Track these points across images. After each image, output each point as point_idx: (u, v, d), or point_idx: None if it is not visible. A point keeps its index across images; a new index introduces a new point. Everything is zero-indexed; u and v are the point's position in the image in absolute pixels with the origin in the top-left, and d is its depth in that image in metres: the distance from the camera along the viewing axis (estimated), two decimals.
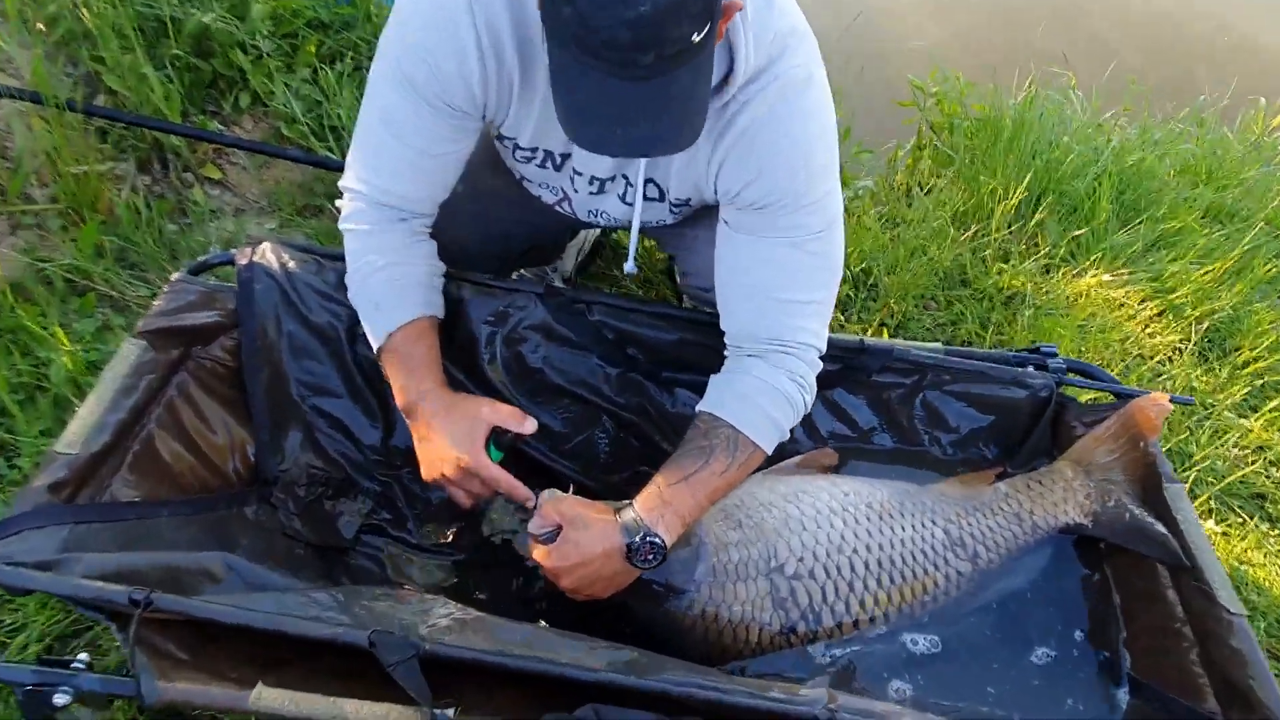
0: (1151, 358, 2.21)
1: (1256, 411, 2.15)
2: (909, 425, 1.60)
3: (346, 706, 0.98)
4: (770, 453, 1.35)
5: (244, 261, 1.49)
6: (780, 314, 1.35)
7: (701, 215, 1.53)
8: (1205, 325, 2.25)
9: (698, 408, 1.37)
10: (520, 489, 1.34)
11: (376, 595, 1.20)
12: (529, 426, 1.37)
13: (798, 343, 1.36)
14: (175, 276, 1.48)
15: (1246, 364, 2.24)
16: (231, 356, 1.47)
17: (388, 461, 1.55)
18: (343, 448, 1.54)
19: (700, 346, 1.53)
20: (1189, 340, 2.23)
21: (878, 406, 1.60)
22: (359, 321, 1.41)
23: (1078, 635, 1.45)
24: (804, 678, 1.38)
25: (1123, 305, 2.32)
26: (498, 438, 1.37)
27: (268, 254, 1.49)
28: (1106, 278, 2.34)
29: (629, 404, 1.57)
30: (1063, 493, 1.54)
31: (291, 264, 1.49)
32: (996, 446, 1.62)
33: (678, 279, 1.70)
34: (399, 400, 1.36)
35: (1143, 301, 2.32)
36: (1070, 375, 1.57)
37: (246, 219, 2.19)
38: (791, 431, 1.38)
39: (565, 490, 1.36)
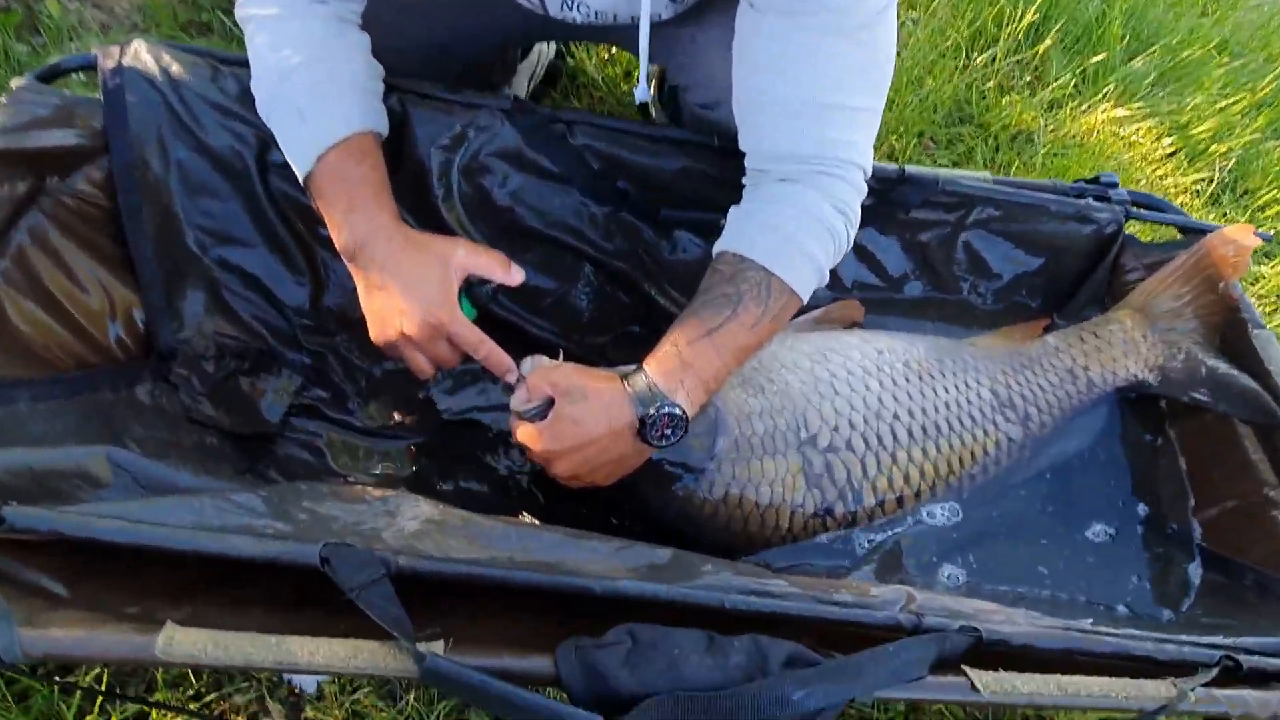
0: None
1: (1271, 259, 1.99)
2: (946, 271, 1.36)
3: (295, 648, 0.71)
4: (807, 300, 1.09)
5: (110, 65, 1.12)
6: (821, 123, 1.06)
7: (705, 10, 1.21)
8: (1231, 163, 2.05)
9: (717, 247, 1.09)
10: (501, 356, 1.06)
11: (322, 494, 0.92)
12: (515, 276, 1.08)
13: (841, 160, 1.08)
14: (18, 84, 1.10)
15: (1264, 206, 2.06)
16: (103, 193, 1.12)
17: (319, 326, 1.24)
18: (260, 311, 1.22)
19: (709, 178, 1.24)
20: (1210, 180, 2.03)
21: (912, 250, 1.35)
22: (274, 144, 1.08)
23: (1140, 509, 1.27)
24: (845, 567, 1.17)
25: (1136, 143, 2.10)
26: (472, 290, 1.08)
27: (142, 54, 1.13)
28: (1119, 112, 2.11)
29: (618, 250, 1.28)
30: (1123, 345, 1.33)
31: (176, 69, 1.13)
32: (1041, 295, 1.40)
33: (677, 96, 1.38)
34: (339, 240, 1.04)
35: (1158, 139, 2.10)
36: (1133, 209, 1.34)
37: (116, 37, 1.77)
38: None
39: (555, 358, 1.09)
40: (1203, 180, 2.04)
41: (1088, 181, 1.37)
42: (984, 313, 1.39)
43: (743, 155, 1.13)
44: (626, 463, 1.05)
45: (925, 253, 1.34)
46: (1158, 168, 2.10)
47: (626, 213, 1.27)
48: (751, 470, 1.15)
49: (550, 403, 1.03)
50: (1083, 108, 2.14)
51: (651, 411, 1.00)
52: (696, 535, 1.16)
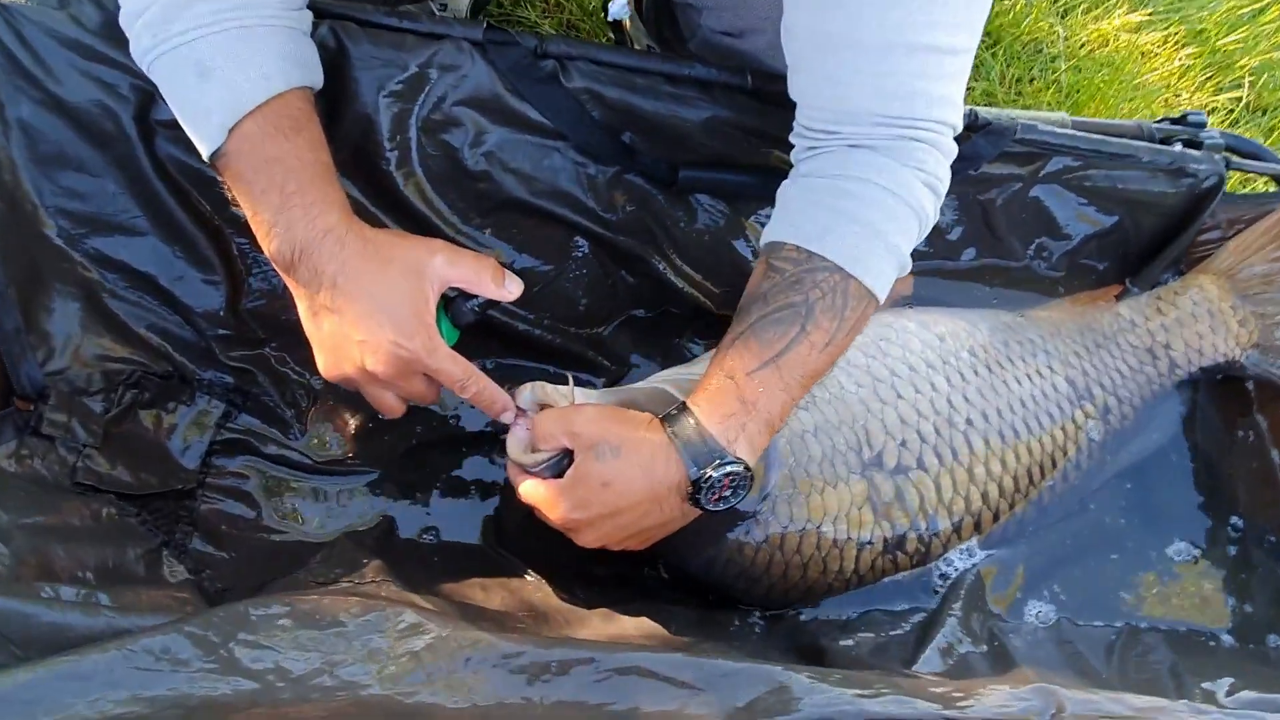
0: None
1: None
2: (1008, 234, 1.13)
3: None
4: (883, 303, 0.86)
5: None
6: (910, 71, 0.80)
7: None
8: (1263, 79, 1.86)
9: (773, 234, 0.84)
10: (495, 393, 0.81)
11: (276, 619, 0.65)
12: (511, 289, 0.81)
13: (934, 122, 0.82)
14: None
15: None
16: None
17: (241, 335, 0.95)
18: (159, 320, 0.92)
19: (742, 132, 0.97)
20: (1239, 100, 1.85)
21: (971, 210, 1.11)
22: (157, 96, 0.76)
23: (1230, 518, 1.10)
24: (923, 612, 0.97)
25: (1154, 54, 1.89)
26: (452, 304, 0.81)
27: None
28: (1135, 18, 1.89)
29: (623, 221, 1.01)
30: (1209, 318, 1.14)
31: None
32: (1111, 256, 1.19)
33: (679, 14, 1.07)
34: (269, 246, 0.75)
35: (1181, 47, 1.89)
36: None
37: None
38: None
39: (564, 384, 0.83)
40: (1233, 100, 1.85)
41: (1172, 120, 1.14)
42: (1046, 280, 1.18)
43: (789, 104, 0.87)
44: (669, 527, 0.82)
45: (987, 213, 1.11)
46: (1181, 83, 1.90)
47: (634, 175, 1.00)
48: (811, 506, 0.93)
49: (568, 455, 0.78)
50: (1095, 14, 1.91)
51: (709, 473, 0.76)
52: (747, 589, 0.95)
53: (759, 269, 0.84)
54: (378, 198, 0.93)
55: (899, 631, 0.92)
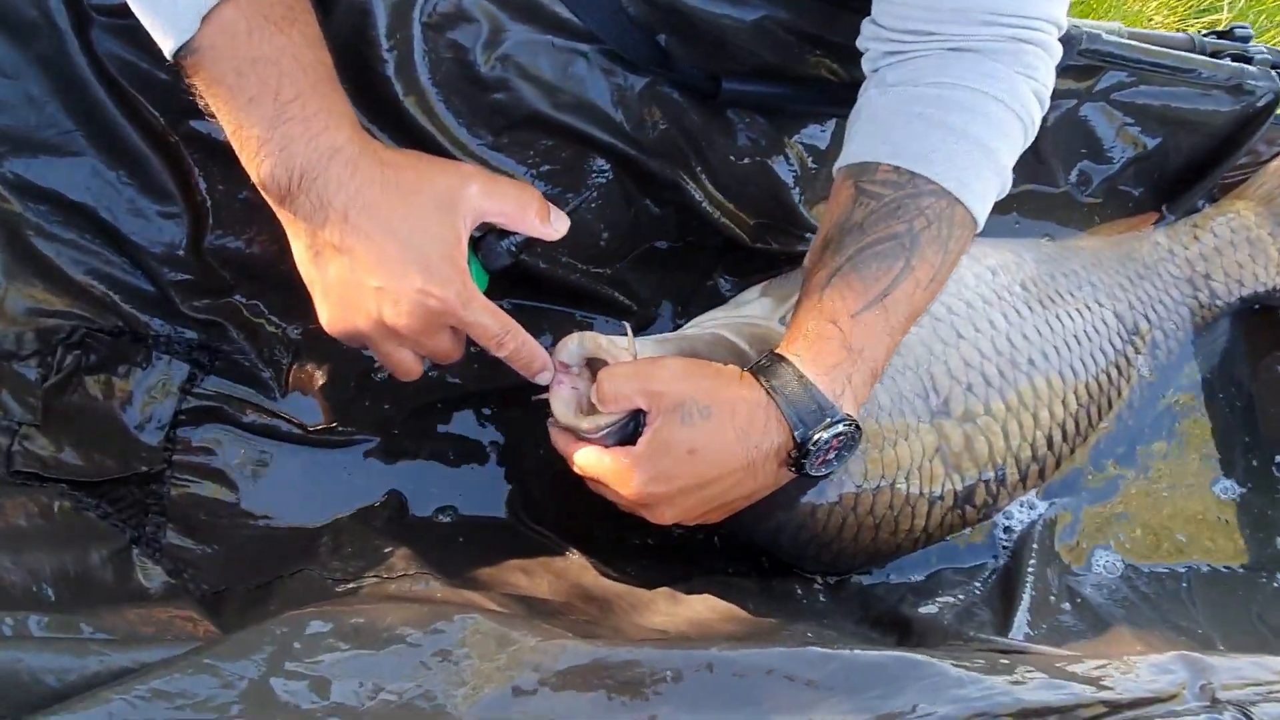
0: None
1: None
2: (1052, 157, 1.05)
3: None
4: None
5: None
6: None
7: None
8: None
9: (861, 156, 0.72)
10: (534, 350, 0.67)
11: (320, 637, 0.51)
12: (558, 225, 0.68)
13: (1042, 21, 0.72)
14: None
15: None
16: None
17: (205, 279, 0.77)
18: (104, 265, 0.74)
19: (799, 37, 0.85)
20: (1215, 25, 1.81)
21: None
22: None
23: (1277, 456, 1.07)
24: (986, 569, 0.90)
25: None
26: (484, 243, 0.67)
27: None
28: None
29: (654, 141, 0.87)
30: (1248, 246, 1.09)
31: None
32: (1143, 183, 1.12)
33: None
34: (258, 169, 0.59)
35: None
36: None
37: None
38: None
39: (623, 335, 0.70)
40: (1206, 27, 1.82)
41: (1218, 34, 1.07)
42: (1081, 208, 1.11)
43: (856, 6, 0.75)
44: (756, 498, 0.71)
45: (1036, 137, 1.02)
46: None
47: (668, 86, 0.86)
48: (885, 461, 0.83)
49: (635, 416, 0.65)
50: None
51: (818, 434, 0.65)
52: (816, 556, 0.85)
53: (844, 194, 0.72)
54: (370, 110, 0.76)
55: (977, 593, 0.85)
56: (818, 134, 0.93)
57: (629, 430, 0.67)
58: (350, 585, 0.65)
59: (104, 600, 0.58)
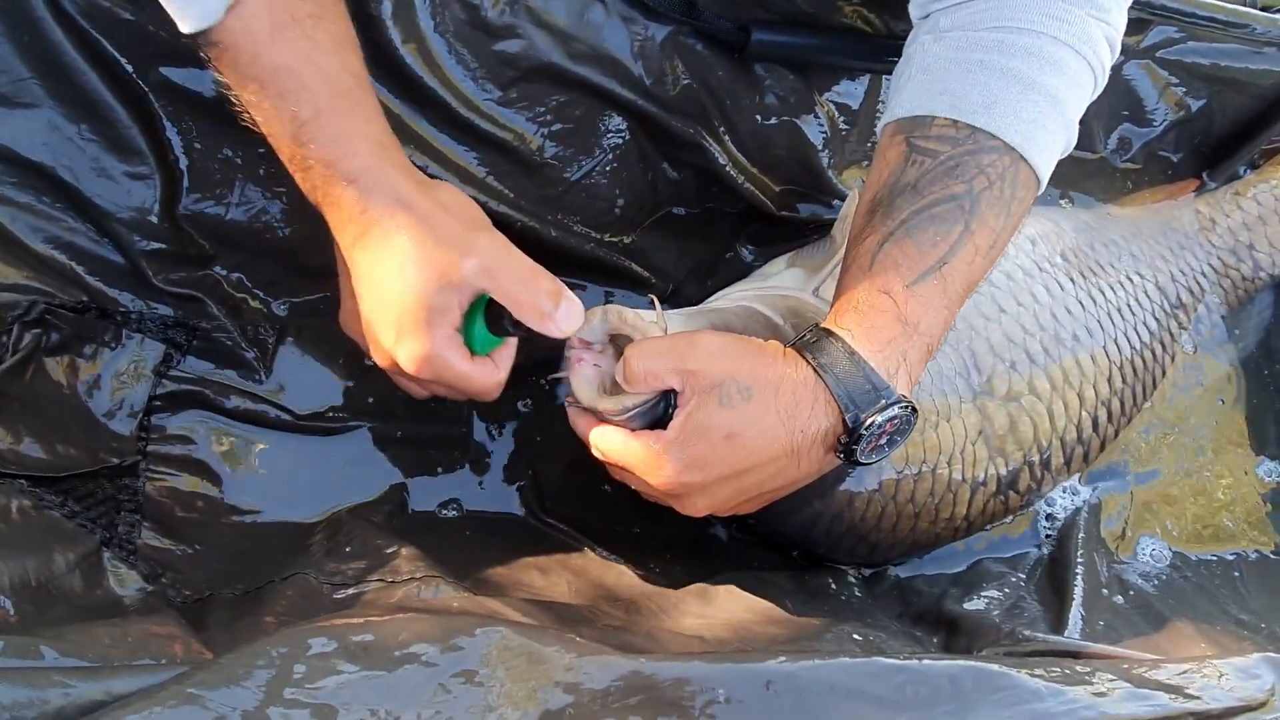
0: None
1: None
2: (1093, 118, 0.98)
3: None
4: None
5: None
6: None
7: None
8: None
9: (914, 109, 0.64)
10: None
11: (320, 660, 0.44)
12: (562, 323, 0.59)
13: None
14: None
15: None
16: None
17: (183, 249, 0.69)
18: (63, 230, 0.66)
19: None
20: None
21: None
22: None
23: None
24: (1028, 559, 0.84)
25: None
26: (494, 310, 0.59)
27: None
28: None
29: (675, 98, 0.80)
30: None
31: None
32: (1183, 148, 1.06)
33: None
34: (292, 175, 0.56)
35: None
36: None
37: None
38: None
39: (648, 309, 0.63)
40: None
41: None
42: (1119, 174, 1.04)
43: None
44: (798, 485, 0.64)
45: None
46: None
47: (692, 37, 0.78)
48: (927, 445, 0.77)
49: (665, 397, 0.59)
50: None
51: (872, 418, 0.58)
52: (851, 548, 0.79)
53: (894, 151, 0.65)
54: (367, 59, 0.68)
55: (1022, 585, 0.79)
56: (850, 91, 0.86)
57: (659, 412, 0.60)
58: (351, 591, 0.58)
59: (70, 614, 0.51)
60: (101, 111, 0.64)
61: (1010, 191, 0.63)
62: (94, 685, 0.41)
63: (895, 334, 0.60)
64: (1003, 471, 0.81)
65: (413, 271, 0.56)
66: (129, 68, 0.63)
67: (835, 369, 0.58)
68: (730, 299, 0.75)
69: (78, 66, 0.61)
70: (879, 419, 0.58)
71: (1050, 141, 0.64)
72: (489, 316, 0.59)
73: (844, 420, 0.59)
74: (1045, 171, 0.65)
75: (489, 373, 0.60)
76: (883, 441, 0.61)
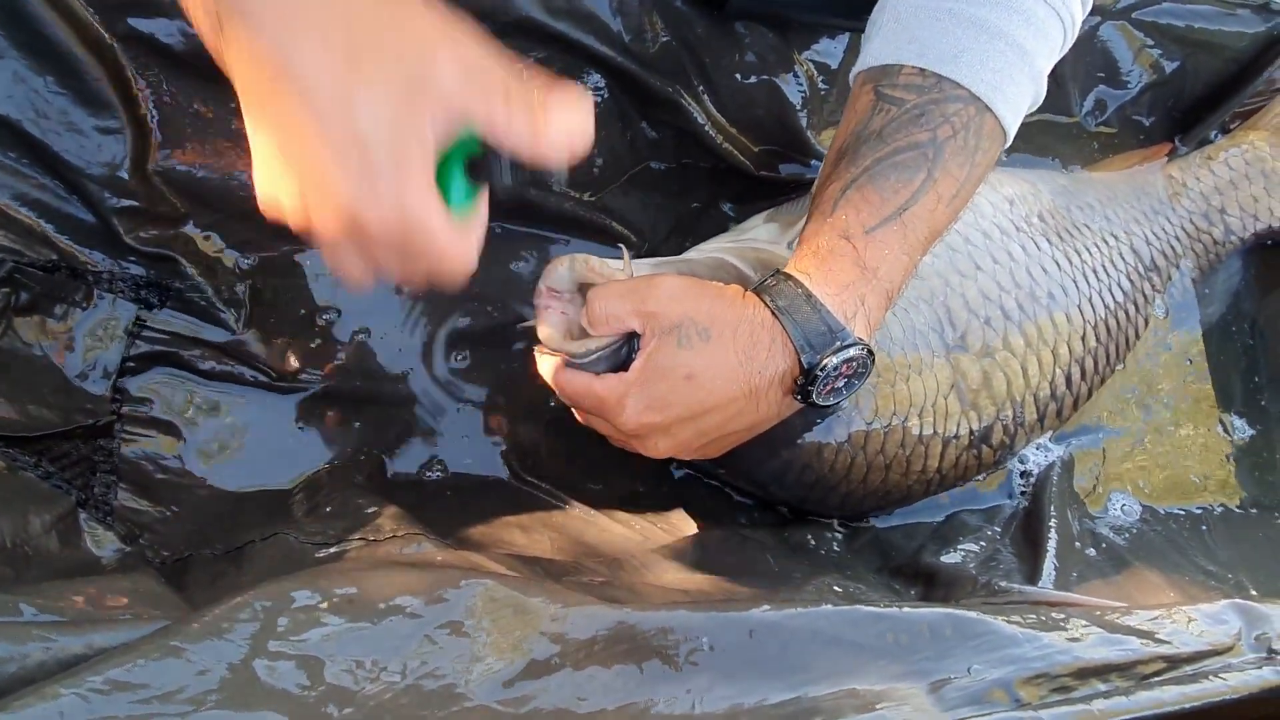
0: None
1: None
2: (1071, 82, 0.99)
3: None
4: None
5: None
6: None
7: None
8: None
9: (882, 58, 0.64)
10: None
11: (304, 613, 0.44)
12: (578, 135, 0.45)
13: None
14: None
15: None
16: None
17: (151, 207, 0.68)
18: (31, 186, 0.64)
19: None
20: None
21: None
22: None
23: None
24: (1005, 512, 0.85)
25: None
26: (478, 155, 0.47)
27: None
28: None
29: (655, 55, 0.79)
30: (1263, 179, 1.04)
31: None
32: (1156, 111, 1.07)
33: None
34: None
35: None
36: None
37: None
38: None
39: (621, 258, 0.64)
40: None
41: None
42: (1092, 139, 1.05)
43: None
44: (758, 429, 0.65)
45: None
46: None
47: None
48: (897, 397, 0.77)
49: (628, 340, 0.60)
50: None
51: (827, 359, 0.59)
52: (821, 499, 0.79)
53: (863, 99, 0.65)
54: None
55: (998, 538, 0.80)
56: (830, 50, 0.85)
57: (623, 356, 0.61)
58: (333, 549, 0.58)
59: (48, 574, 0.50)
60: (68, 63, 0.62)
61: (975, 141, 0.63)
62: (74, 639, 0.41)
63: (853, 278, 0.60)
64: (975, 425, 0.82)
65: (396, 78, 0.42)
66: (96, 17, 0.61)
67: (792, 311, 0.59)
68: (703, 252, 0.75)
69: (42, 16, 0.60)
70: (834, 360, 0.59)
71: (1016, 93, 0.64)
72: (464, 163, 0.47)
73: (800, 361, 0.59)
74: (1011, 123, 0.65)
75: (466, 239, 0.46)
76: (840, 384, 0.62)
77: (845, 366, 0.61)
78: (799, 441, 0.75)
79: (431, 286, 0.47)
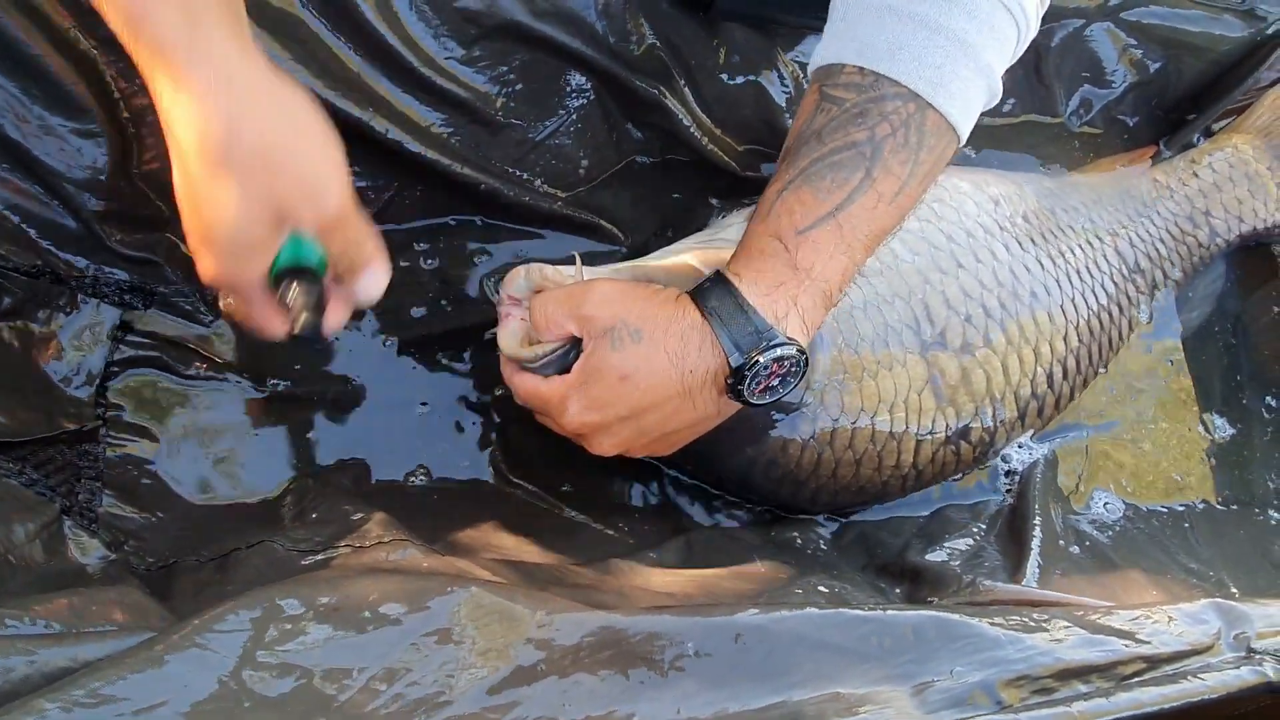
0: None
1: None
2: (1055, 83, 0.99)
3: None
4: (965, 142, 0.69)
5: None
6: None
7: None
8: None
9: (826, 58, 0.64)
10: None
11: (291, 622, 0.44)
12: (369, 285, 0.59)
13: None
14: None
15: None
16: None
17: (134, 210, 0.68)
18: (10, 192, 0.64)
19: None
20: None
21: (1024, 55, 0.96)
22: None
23: (1268, 399, 1.04)
24: (988, 506, 0.86)
25: None
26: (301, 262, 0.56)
27: None
28: None
29: (640, 58, 0.79)
30: (1246, 182, 1.04)
31: None
32: (1140, 112, 1.07)
33: None
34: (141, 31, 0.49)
35: None
36: None
37: None
38: None
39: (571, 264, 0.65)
40: None
41: None
42: (1077, 139, 1.05)
43: None
44: (701, 427, 0.66)
45: (1039, 59, 0.96)
46: None
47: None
48: (865, 394, 0.78)
49: (576, 344, 0.62)
50: None
51: (755, 358, 0.60)
52: (792, 494, 0.80)
53: (808, 101, 0.64)
54: (324, 14, 0.67)
55: (983, 536, 0.81)
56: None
57: (570, 359, 0.63)
58: (319, 557, 0.58)
59: (33, 585, 0.50)
60: (44, 69, 0.61)
61: (917, 139, 0.62)
62: (59, 651, 0.41)
63: (785, 279, 0.61)
64: (953, 421, 0.83)
65: (253, 180, 0.51)
66: (71, 23, 0.61)
67: (721, 312, 0.60)
68: (671, 253, 0.75)
69: (10, 25, 0.59)
70: (762, 359, 0.60)
71: (962, 88, 0.63)
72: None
73: (729, 362, 0.60)
74: (960, 118, 0.64)
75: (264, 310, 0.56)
76: (774, 383, 0.63)
77: (776, 365, 0.61)
78: (764, 438, 0.76)
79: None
